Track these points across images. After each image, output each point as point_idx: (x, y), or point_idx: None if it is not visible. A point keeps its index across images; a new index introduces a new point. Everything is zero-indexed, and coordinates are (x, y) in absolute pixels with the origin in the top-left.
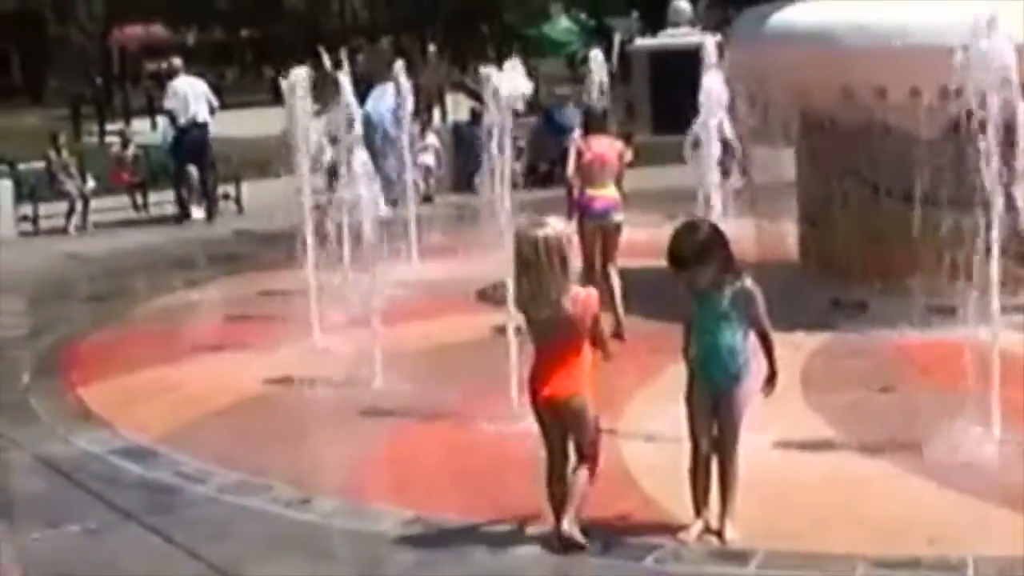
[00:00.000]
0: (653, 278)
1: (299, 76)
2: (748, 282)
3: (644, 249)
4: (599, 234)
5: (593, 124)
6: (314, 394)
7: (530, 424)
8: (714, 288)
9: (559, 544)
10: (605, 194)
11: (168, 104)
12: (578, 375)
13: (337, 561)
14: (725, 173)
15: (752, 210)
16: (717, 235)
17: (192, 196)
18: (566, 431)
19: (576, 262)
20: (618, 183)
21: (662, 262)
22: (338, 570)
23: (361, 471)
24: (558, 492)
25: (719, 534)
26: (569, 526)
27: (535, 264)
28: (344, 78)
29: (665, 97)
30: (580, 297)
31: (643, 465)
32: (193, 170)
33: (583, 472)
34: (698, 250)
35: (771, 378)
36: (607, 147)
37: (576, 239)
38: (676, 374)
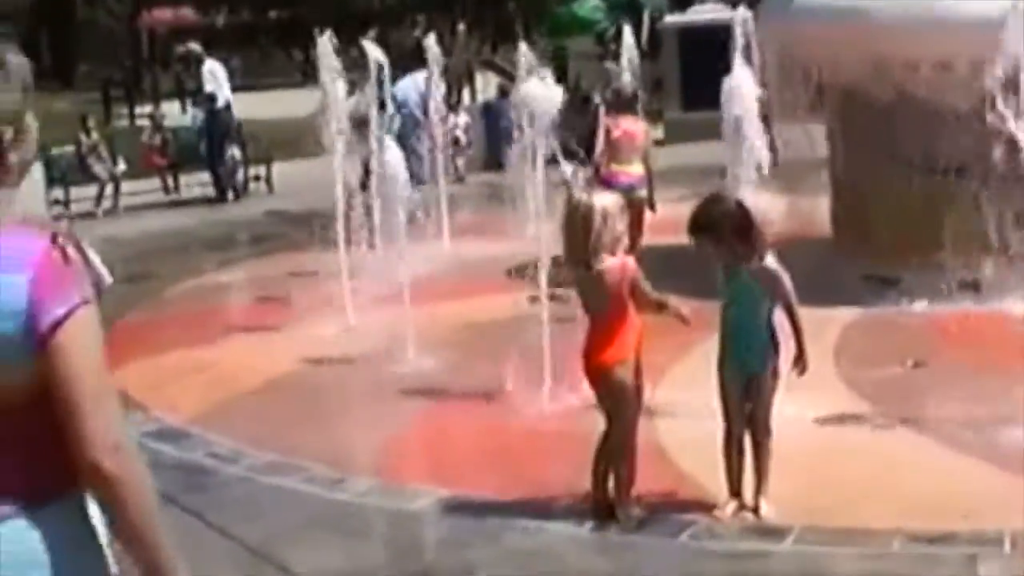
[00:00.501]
0: (685, 254)
1: (327, 47)
2: (771, 261)
3: (675, 225)
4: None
5: (621, 104)
6: (346, 374)
7: (563, 403)
8: (739, 265)
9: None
10: (630, 170)
11: (209, 87)
12: (605, 344)
13: (371, 541)
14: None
15: (785, 186)
16: (736, 210)
17: (229, 178)
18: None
19: (613, 233)
20: (645, 161)
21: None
22: (372, 550)
23: (394, 450)
24: (600, 468)
25: (755, 510)
26: (616, 505)
27: (564, 228)
28: (375, 56)
29: (695, 74)
30: (610, 266)
31: (677, 442)
32: (234, 151)
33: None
34: (709, 220)
35: (799, 357)
36: (634, 125)
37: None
38: (708, 350)
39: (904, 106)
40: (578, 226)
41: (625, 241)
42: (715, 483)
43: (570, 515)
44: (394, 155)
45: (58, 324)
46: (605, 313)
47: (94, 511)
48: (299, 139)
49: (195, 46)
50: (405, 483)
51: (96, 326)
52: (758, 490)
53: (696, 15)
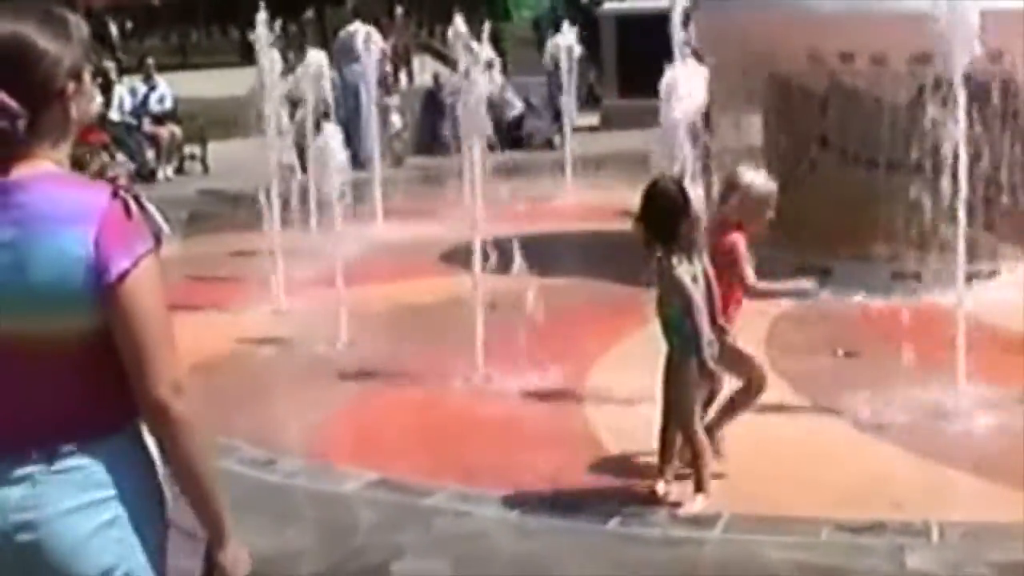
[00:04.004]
0: (618, 240)
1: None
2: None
3: (609, 212)
4: None
5: None
6: (280, 355)
7: (495, 386)
8: (668, 251)
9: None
10: None
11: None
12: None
13: (301, 523)
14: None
15: (718, 176)
16: (671, 195)
17: (162, 156)
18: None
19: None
20: None
21: (626, 225)
22: (301, 531)
23: (326, 432)
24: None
25: (679, 504)
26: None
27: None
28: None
29: (632, 61)
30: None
31: (608, 427)
32: (163, 130)
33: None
34: (644, 203)
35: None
36: None
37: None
38: (641, 337)
39: (839, 97)
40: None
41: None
42: (646, 469)
43: (500, 500)
44: (332, 136)
45: (125, 274)
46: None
47: (150, 443)
48: (235, 118)
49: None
50: (336, 464)
51: (158, 274)
52: (695, 483)
53: (635, 3)
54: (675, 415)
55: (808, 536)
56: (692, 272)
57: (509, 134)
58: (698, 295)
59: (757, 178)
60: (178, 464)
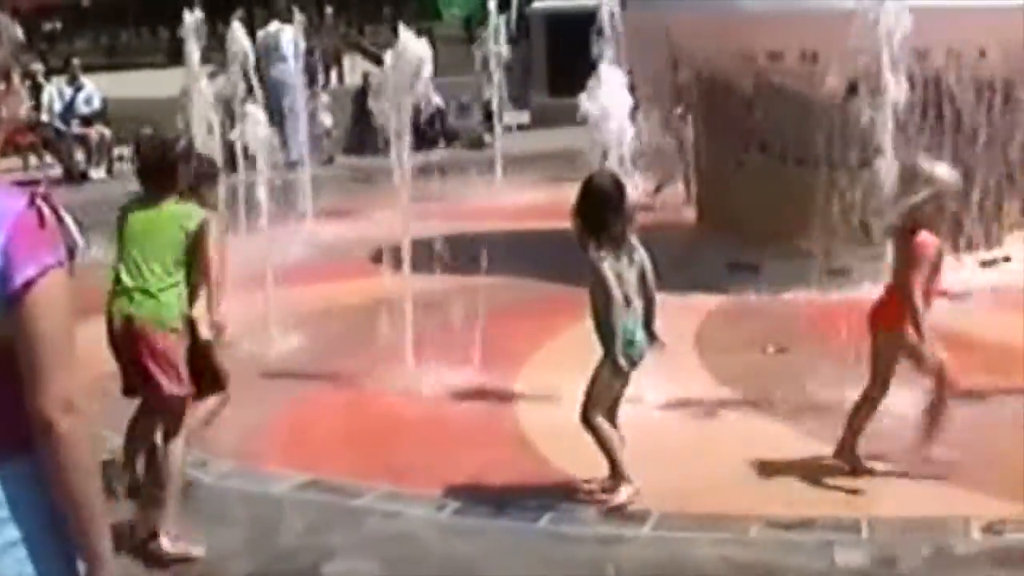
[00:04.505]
0: (548, 239)
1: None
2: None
3: (538, 210)
4: None
5: None
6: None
7: (425, 386)
8: (597, 246)
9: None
10: None
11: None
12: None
13: (231, 524)
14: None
15: (650, 173)
16: (605, 189)
17: (92, 157)
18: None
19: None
20: None
21: (559, 223)
22: (230, 533)
23: (257, 434)
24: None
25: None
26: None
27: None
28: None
29: (562, 59)
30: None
31: (538, 426)
32: (92, 132)
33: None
34: (579, 196)
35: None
36: None
37: None
38: (571, 335)
39: (767, 95)
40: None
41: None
42: (576, 468)
43: (430, 499)
44: (260, 136)
45: (30, 283)
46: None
47: None
48: (165, 119)
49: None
50: (266, 466)
51: (66, 289)
52: (613, 478)
53: (564, 1)
54: (582, 403)
55: (738, 533)
56: (618, 269)
57: (426, 132)
58: (618, 292)
59: (942, 168)
60: (58, 486)
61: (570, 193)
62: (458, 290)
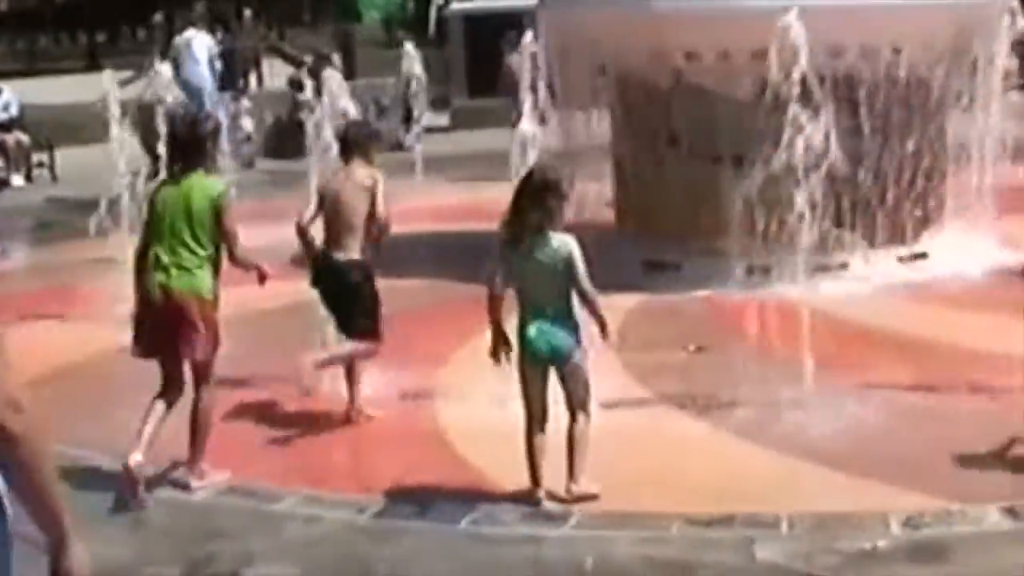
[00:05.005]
0: (467, 240)
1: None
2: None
3: (458, 212)
4: None
5: None
6: (128, 363)
7: (340, 390)
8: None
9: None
10: None
11: None
12: None
13: (151, 531)
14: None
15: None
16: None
17: (11, 164)
18: None
19: None
20: None
21: (478, 224)
22: (152, 540)
23: (175, 439)
24: None
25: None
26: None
27: None
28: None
29: (481, 61)
30: None
31: (457, 427)
32: (9, 138)
33: None
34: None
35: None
36: None
37: None
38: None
39: (684, 94)
40: None
41: None
42: (495, 469)
43: (350, 503)
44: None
45: None
46: None
47: None
48: (84, 125)
49: None
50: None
51: None
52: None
53: (482, 3)
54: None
55: (658, 531)
56: (520, 262)
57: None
58: (495, 285)
59: None
60: (19, 478)
61: (489, 194)
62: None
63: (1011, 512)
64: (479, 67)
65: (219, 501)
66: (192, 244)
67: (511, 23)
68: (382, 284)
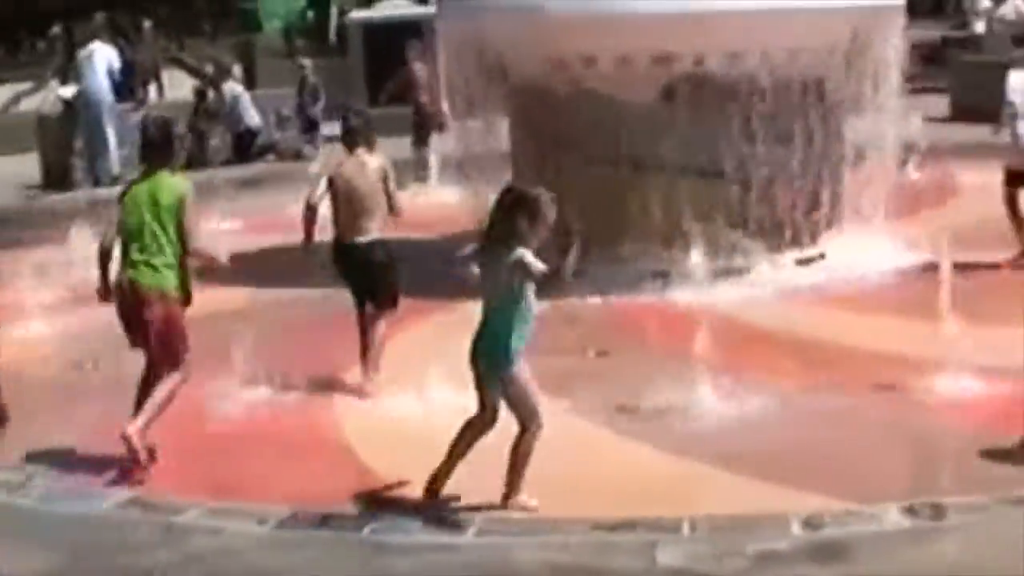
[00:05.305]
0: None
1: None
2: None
3: None
4: None
5: None
6: (34, 375)
7: (246, 398)
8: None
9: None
10: None
11: None
12: None
13: (50, 544)
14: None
15: (467, 180)
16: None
17: None
18: None
19: None
20: None
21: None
22: (51, 553)
23: (77, 452)
24: None
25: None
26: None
27: None
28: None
29: (380, 70)
30: None
31: (359, 435)
32: None
33: None
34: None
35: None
36: None
37: None
38: (395, 344)
39: (582, 100)
40: None
41: None
42: (397, 475)
43: (253, 513)
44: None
45: None
46: None
47: None
48: None
49: None
50: (90, 485)
51: None
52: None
53: (382, 11)
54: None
55: (560, 536)
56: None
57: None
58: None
59: None
60: None
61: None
62: (279, 302)
63: (910, 511)
64: (378, 75)
65: (121, 514)
66: (162, 240)
67: (411, 31)
68: (285, 293)
